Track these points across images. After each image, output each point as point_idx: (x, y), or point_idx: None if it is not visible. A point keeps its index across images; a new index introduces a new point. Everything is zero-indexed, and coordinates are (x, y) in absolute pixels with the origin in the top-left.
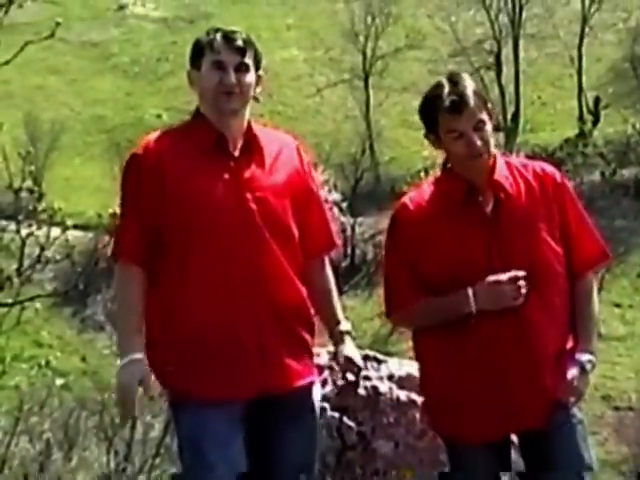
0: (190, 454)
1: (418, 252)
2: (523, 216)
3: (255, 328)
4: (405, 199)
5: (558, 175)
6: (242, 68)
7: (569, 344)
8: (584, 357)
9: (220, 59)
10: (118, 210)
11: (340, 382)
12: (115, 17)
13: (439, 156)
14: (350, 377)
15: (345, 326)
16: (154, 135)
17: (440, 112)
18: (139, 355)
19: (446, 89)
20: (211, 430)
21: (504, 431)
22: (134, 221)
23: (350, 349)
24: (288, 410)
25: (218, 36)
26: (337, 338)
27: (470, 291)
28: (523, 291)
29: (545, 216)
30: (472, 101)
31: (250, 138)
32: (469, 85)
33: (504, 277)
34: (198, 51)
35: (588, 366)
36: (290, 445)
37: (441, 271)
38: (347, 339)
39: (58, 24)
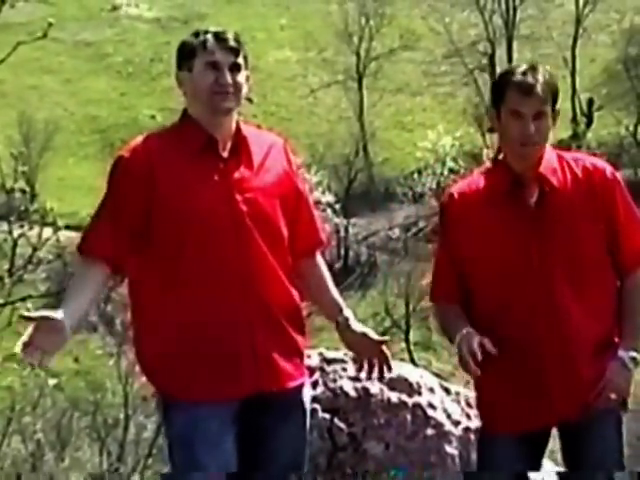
0: (181, 454)
1: (460, 245)
2: (567, 210)
3: (247, 329)
4: (452, 189)
5: (609, 170)
6: (235, 68)
7: (615, 339)
8: (626, 353)
9: (215, 59)
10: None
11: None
12: (109, 17)
13: (431, 158)
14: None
15: (348, 312)
16: (142, 138)
17: (509, 88)
18: (59, 315)
19: (522, 69)
20: (202, 430)
21: (541, 422)
22: (111, 223)
23: (360, 326)
24: (278, 410)
25: (210, 36)
26: (343, 325)
27: (458, 336)
28: (474, 369)
29: (591, 211)
30: (541, 89)
31: (239, 139)
32: (545, 75)
33: (472, 345)
34: (189, 52)
35: (630, 363)
36: (280, 444)
37: (481, 263)
38: (352, 320)
39: (50, 24)
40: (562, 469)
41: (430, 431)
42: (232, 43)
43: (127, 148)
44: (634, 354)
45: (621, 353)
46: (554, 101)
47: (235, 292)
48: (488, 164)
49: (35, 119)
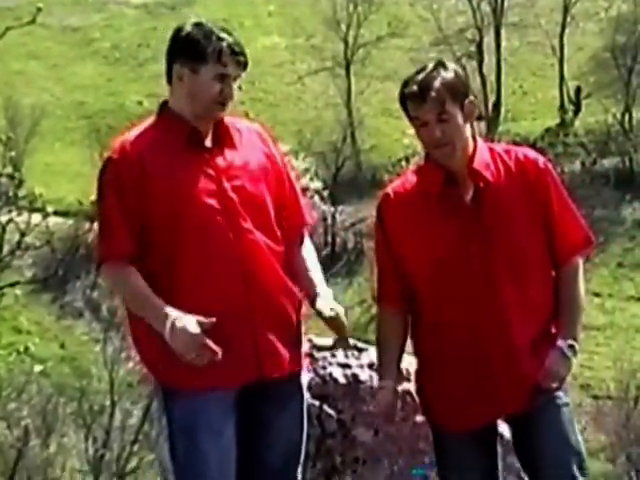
0: (182, 442)
1: (399, 245)
2: (504, 205)
3: (247, 316)
4: (388, 189)
5: (541, 160)
6: (238, 79)
7: (552, 330)
8: (565, 342)
9: (226, 73)
10: (97, 216)
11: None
12: (96, 2)
13: (419, 145)
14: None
15: (321, 288)
16: (127, 137)
17: (407, 99)
18: (174, 312)
19: (415, 78)
20: (205, 419)
21: (487, 418)
22: (119, 221)
23: (329, 300)
24: (277, 396)
25: (225, 47)
26: (312, 302)
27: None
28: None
29: (527, 203)
30: (436, 92)
31: (219, 128)
32: (440, 75)
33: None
34: (199, 55)
35: (568, 352)
36: (278, 431)
37: (418, 263)
38: (324, 294)
39: (39, 9)
40: None
41: (419, 418)
42: (244, 59)
43: (115, 150)
44: (572, 342)
45: (560, 343)
46: (460, 95)
47: (233, 280)
48: (421, 161)
49: (21, 104)
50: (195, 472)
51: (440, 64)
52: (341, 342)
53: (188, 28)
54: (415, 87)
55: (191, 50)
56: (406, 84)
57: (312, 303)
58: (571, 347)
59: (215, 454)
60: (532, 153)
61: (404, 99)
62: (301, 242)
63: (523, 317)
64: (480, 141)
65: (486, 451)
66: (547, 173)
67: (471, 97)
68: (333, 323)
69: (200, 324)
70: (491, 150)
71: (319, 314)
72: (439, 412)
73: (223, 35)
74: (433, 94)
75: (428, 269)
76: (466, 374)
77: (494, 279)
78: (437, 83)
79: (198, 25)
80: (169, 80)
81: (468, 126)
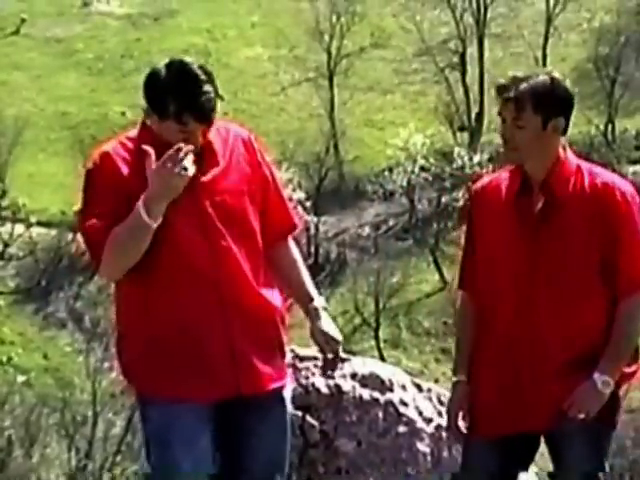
0: (156, 451)
1: (475, 236)
2: (566, 224)
3: (224, 331)
4: (479, 183)
5: (620, 192)
6: (207, 128)
7: (593, 359)
8: (600, 377)
9: (187, 130)
10: (79, 224)
11: (320, 361)
12: (80, 13)
13: (402, 156)
14: (330, 355)
15: (319, 302)
16: (109, 148)
17: (497, 90)
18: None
19: (516, 74)
20: (178, 427)
21: (513, 428)
22: (105, 228)
23: (326, 324)
24: (259, 410)
25: (185, 108)
26: (312, 315)
27: (453, 389)
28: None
29: (591, 228)
30: (519, 95)
31: (203, 145)
32: (535, 82)
33: (456, 419)
34: (160, 111)
35: (602, 386)
36: (261, 444)
37: (482, 259)
38: (322, 314)
39: (23, 20)
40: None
41: (402, 428)
42: (209, 116)
43: (94, 162)
44: (607, 378)
45: (595, 376)
46: (546, 109)
47: (210, 296)
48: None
49: (5, 115)
50: (168, 478)
51: (549, 72)
52: (330, 363)
53: (158, 74)
54: (505, 82)
55: (154, 103)
56: (508, 76)
57: (306, 315)
58: (605, 383)
59: (189, 463)
60: (616, 183)
61: (497, 89)
62: (287, 246)
63: (560, 338)
64: (570, 155)
65: (506, 460)
66: (621, 205)
67: (561, 118)
68: (327, 349)
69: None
70: (578, 167)
71: (312, 337)
72: (473, 412)
73: (188, 89)
74: (515, 96)
75: (485, 270)
76: (500, 381)
77: (536, 295)
78: (526, 88)
79: (169, 70)
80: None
81: (554, 139)
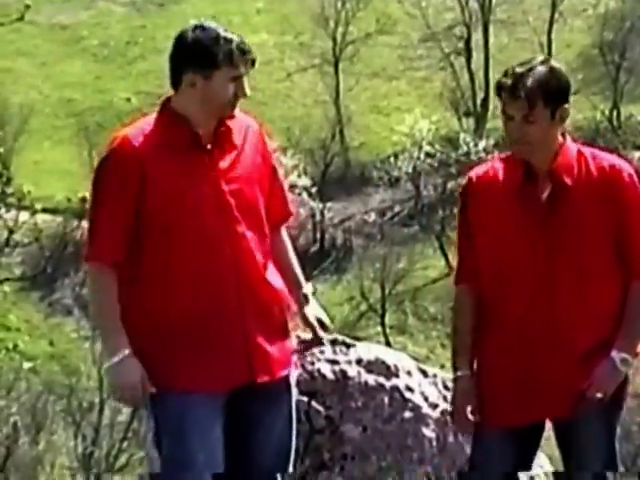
0: (171, 441)
1: (476, 228)
2: (577, 209)
3: (239, 319)
4: (472, 173)
5: (626, 173)
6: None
7: (610, 341)
8: (618, 355)
9: (239, 74)
10: (90, 210)
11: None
12: (84, 0)
13: (408, 142)
14: (321, 335)
15: (307, 288)
16: (128, 133)
17: (501, 89)
18: (129, 350)
19: (515, 68)
20: (193, 417)
21: (529, 417)
22: (113, 222)
23: (315, 309)
24: (266, 396)
25: (235, 49)
26: (302, 301)
27: (456, 381)
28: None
29: (602, 212)
30: (529, 92)
31: (222, 128)
32: (539, 74)
33: (465, 413)
34: (211, 62)
35: (620, 365)
36: (268, 430)
37: (486, 252)
38: (311, 300)
39: (28, 7)
40: (550, 469)
41: (407, 414)
42: (253, 56)
43: (115, 145)
44: (626, 355)
45: (613, 354)
46: (554, 99)
47: (226, 283)
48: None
49: (10, 102)
50: (182, 469)
51: (545, 62)
52: (316, 340)
53: (194, 34)
54: (510, 81)
55: (202, 57)
56: (505, 73)
57: (296, 301)
58: (624, 361)
59: (203, 454)
60: (619, 164)
61: (499, 89)
62: (280, 234)
63: (580, 323)
64: (569, 141)
65: (521, 450)
66: (630, 186)
67: (566, 105)
68: (314, 330)
69: (142, 378)
70: (579, 152)
71: (304, 320)
72: (484, 404)
73: (229, 36)
74: (525, 94)
75: (492, 259)
76: (513, 371)
77: (554, 281)
78: (533, 83)
79: (202, 29)
80: (175, 85)
81: (560, 127)
